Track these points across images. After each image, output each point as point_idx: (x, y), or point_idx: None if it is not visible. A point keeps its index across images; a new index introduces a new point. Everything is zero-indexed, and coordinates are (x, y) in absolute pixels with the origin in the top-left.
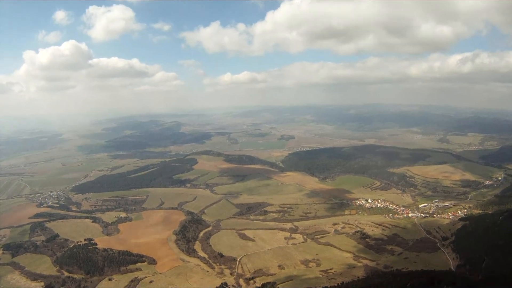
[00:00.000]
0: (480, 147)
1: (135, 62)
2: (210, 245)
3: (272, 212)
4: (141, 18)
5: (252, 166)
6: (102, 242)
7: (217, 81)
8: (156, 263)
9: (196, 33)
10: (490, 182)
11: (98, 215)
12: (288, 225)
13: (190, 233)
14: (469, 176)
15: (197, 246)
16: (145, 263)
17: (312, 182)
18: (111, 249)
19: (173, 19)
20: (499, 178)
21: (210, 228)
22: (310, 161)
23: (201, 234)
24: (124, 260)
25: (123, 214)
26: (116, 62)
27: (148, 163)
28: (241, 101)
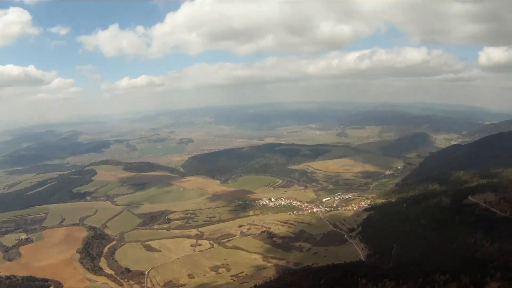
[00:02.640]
0: (379, 139)
1: (31, 69)
2: (116, 261)
3: (176, 219)
4: (38, 21)
5: (152, 173)
6: (4, 269)
7: (115, 86)
8: (62, 287)
9: (94, 36)
10: (390, 172)
11: None
12: (193, 231)
13: (94, 249)
14: (369, 168)
15: (103, 262)
16: (51, 287)
17: (214, 185)
18: (15, 276)
19: (70, 22)
20: (399, 167)
21: (114, 242)
22: (210, 164)
23: (106, 249)
24: (29, 287)
25: (23, 236)
26: (11, 69)
27: (46, 177)
28: (140, 106)
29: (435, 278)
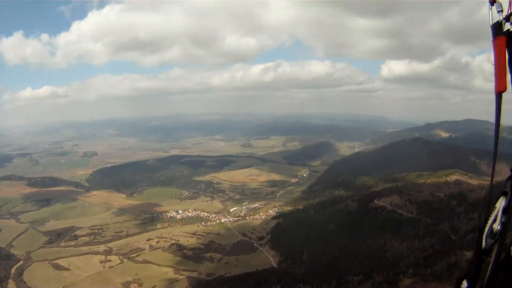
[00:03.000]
0: (283, 148)
1: None
2: (25, 282)
3: (83, 235)
4: None
5: (56, 188)
6: None
7: (17, 96)
8: None
9: None
10: (296, 180)
11: None
12: (102, 247)
13: (1, 271)
14: (275, 176)
15: (11, 285)
16: None
17: (120, 199)
18: None
19: None
20: (304, 175)
21: (21, 262)
22: (115, 177)
23: (13, 270)
24: None
25: None
26: None
27: None
28: (43, 118)
29: (349, 279)
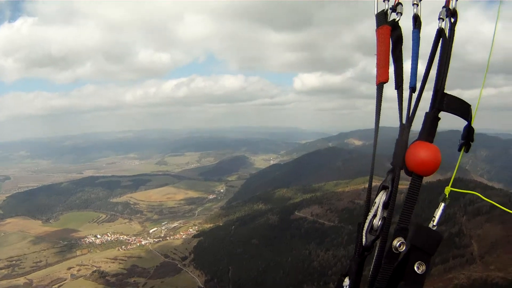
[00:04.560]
0: (198, 164)
1: None
2: None
3: (1, 268)
4: None
5: None
6: None
7: None
8: None
9: None
10: (214, 196)
11: None
12: (22, 280)
13: None
14: (192, 194)
15: None
16: None
17: (36, 226)
18: None
19: None
20: (221, 190)
21: None
22: (30, 202)
23: None
24: None
25: None
26: None
27: None
28: None
29: None
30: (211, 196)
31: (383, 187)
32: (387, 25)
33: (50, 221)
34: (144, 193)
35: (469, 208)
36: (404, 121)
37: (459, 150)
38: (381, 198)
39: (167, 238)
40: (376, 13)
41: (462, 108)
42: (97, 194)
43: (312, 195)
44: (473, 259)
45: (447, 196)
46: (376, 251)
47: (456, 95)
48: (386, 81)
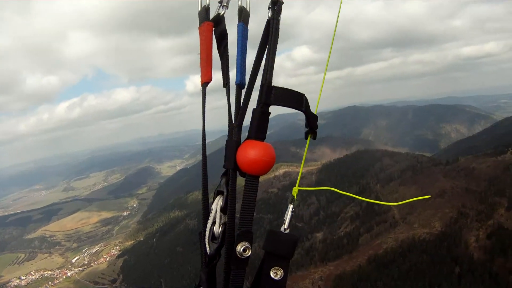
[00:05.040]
0: (106, 183)
1: None
2: None
3: None
4: None
5: None
6: None
7: None
8: None
9: None
10: (128, 212)
11: None
12: None
13: None
14: (106, 214)
15: None
16: None
17: None
18: None
19: None
20: (134, 205)
21: None
22: None
23: None
24: None
25: None
26: None
27: None
28: None
29: None
30: (125, 213)
31: (218, 192)
32: (208, 22)
33: None
34: (58, 223)
35: (381, 176)
36: (233, 121)
37: (306, 138)
38: (217, 203)
39: (92, 264)
40: (198, 10)
41: (293, 99)
42: (11, 233)
43: None
44: (396, 222)
45: (295, 197)
46: (223, 259)
47: (285, 86)
48: (210, 80)
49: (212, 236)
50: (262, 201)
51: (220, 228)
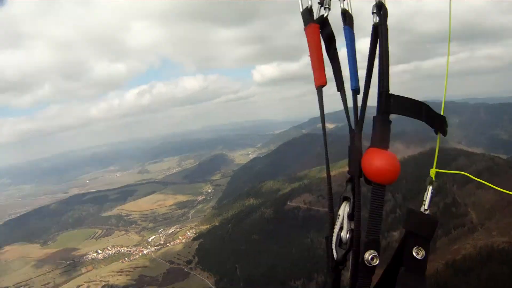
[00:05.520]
0: (180, 168)
1: None
2: None
3: None
4: None
5: None
6: None
7: None
8: None
9: None
10: (203, 197)
11: None
12: None
13: None
14: (181, 198)
15: None
16: None
17: (36, 250)
18: None
19: None
20: (209, 191)
21: None
22: (23, 228)
23: None
24: None
25: None
26: None
27: None
28: None
29: (292, 285)
30: (200, 198)
31: (345, 198)
32: (314, 24)
33: (48, 243)
34: (134, 204)
35: (456, 177)
36: (353, 126)
37: (436, 133)
38: (344, 209)
39: (167, 244)
40: (301, 10)
41: (412, 108)
42: (88, 210)
43: (300, 184)
44: (474, 227)
45: (433, 178)
46: (350, 266)
47: (404, 95)
48: (324, 84)
49: (340, 242)
50: (336, 194)
51: (348, 235)
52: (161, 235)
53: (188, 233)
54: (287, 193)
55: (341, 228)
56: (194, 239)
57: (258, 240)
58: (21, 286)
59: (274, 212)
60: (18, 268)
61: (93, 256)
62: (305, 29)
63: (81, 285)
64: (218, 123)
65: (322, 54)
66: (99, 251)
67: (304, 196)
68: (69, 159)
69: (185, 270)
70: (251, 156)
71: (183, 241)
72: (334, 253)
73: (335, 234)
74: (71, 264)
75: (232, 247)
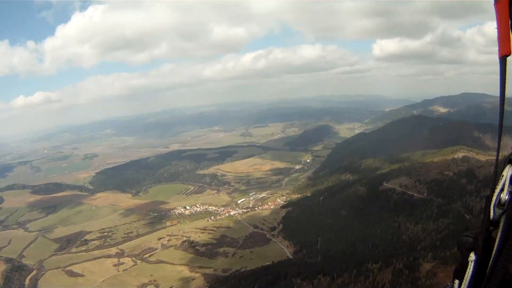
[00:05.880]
0: (283, 135)
1: None
2: None
3: (93, 239)
4: None
5: (61, 193)
6: None
7: (11, 105)
8: None
9: None
10: (300, 166)
11: None
12: (114, 250)
13: (15, 283)
14: (278, 164)
15: None
16: None
17: (126, 199)
18: None
19: None
20: (308, 160)
21: (34, 272)
22: (118, 177)
23: (27, 281)
24: None
25: None
26: None
27: None
28: (39, 124)
29: (369, 267)
30: (297, 167)
31: (510, 161)
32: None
33: (140, 194)
34: (231, 165)
35: None
36: None
37: None
38: (508, 171)
39: (255, 208)
40: None
41: None
42: (184, 167)
43: (400, 166)
44: None
45: None
46: (501, 226)
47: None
48: (509, 53)
49: (498, 202)
50: (435, 182)
51: (507, 196)
52: (251, 198)
53: (278, 200)
54: (385, 173)
55: (502, 190)
56: (283, 206)
57: (345, 216)
58: (105, 232)
59: (368, 191)
60: (106, 215)
61: (180, 211)
62: (494, 4)
63: (163, 237)
64: (330, 93)
65: (508, 27)
66: (187, 207)
67: (401, 179)
68: (175, 116)
69: (267, 236)
70: (357, 131)
71: (271, 207)
72: (491, 213)
73: (495, 195)
74: (158, 217)
75: (319, 220)
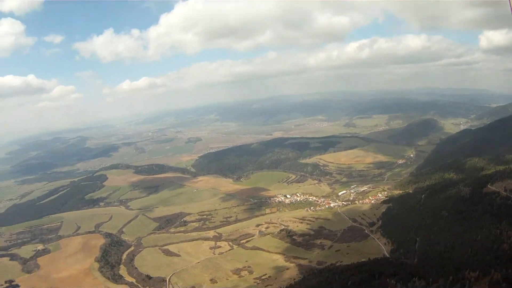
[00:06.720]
0: (387, 127)
1: (31, 78)
2: (136, 268)
3: (192, 221)
4: (31, 31)
5: (163, 175)
6: (24, 282)
7: (117, 89)
8: None
9: (89, 42)
10: (403, 161)
11: (14, 250)
12: (211, 233)
13: (113, 257)
14: (381, 158)
15: (123, 270)
16: None
17: (227, 184)
18: None
19: (64, 30)
20: (411, 155)
21: (132, 249)
22: (220, 162)
23: (124, 256)
24: None
25: (40, 246)
26: (10, 80)
27: (57, 185)
28: (143, 108)
29: (465, 275)
30: (400, 161)
31: None
32: None
33: (241, 179)
34: (333, 155)
35: None
36: None
37: None
38: None
39: (356, 202)
40: None
41: None
42: (287, 155)
43: (505, 167)
44: None
45: None
46: None
47: None
48: None
49: None
50: None
51: None
52: (352, 191)
53: (380, 194)
54: (490, 174)
55: None
56: (384, 202)
57: (446, 218)
58: (204, 214)
59: (471, 192)
60: (207, 198)
61: (280, 199)
62: None
63: (261, 224)
64: (434, 86)
65: None
66: (288, 196)
67: (507, 182)
68: (279, 103)
69: (366, 231)
70: (462, 127)
71: (372, 201)
72: None
73: None
74: (257, 203)
75: (418, 219)
